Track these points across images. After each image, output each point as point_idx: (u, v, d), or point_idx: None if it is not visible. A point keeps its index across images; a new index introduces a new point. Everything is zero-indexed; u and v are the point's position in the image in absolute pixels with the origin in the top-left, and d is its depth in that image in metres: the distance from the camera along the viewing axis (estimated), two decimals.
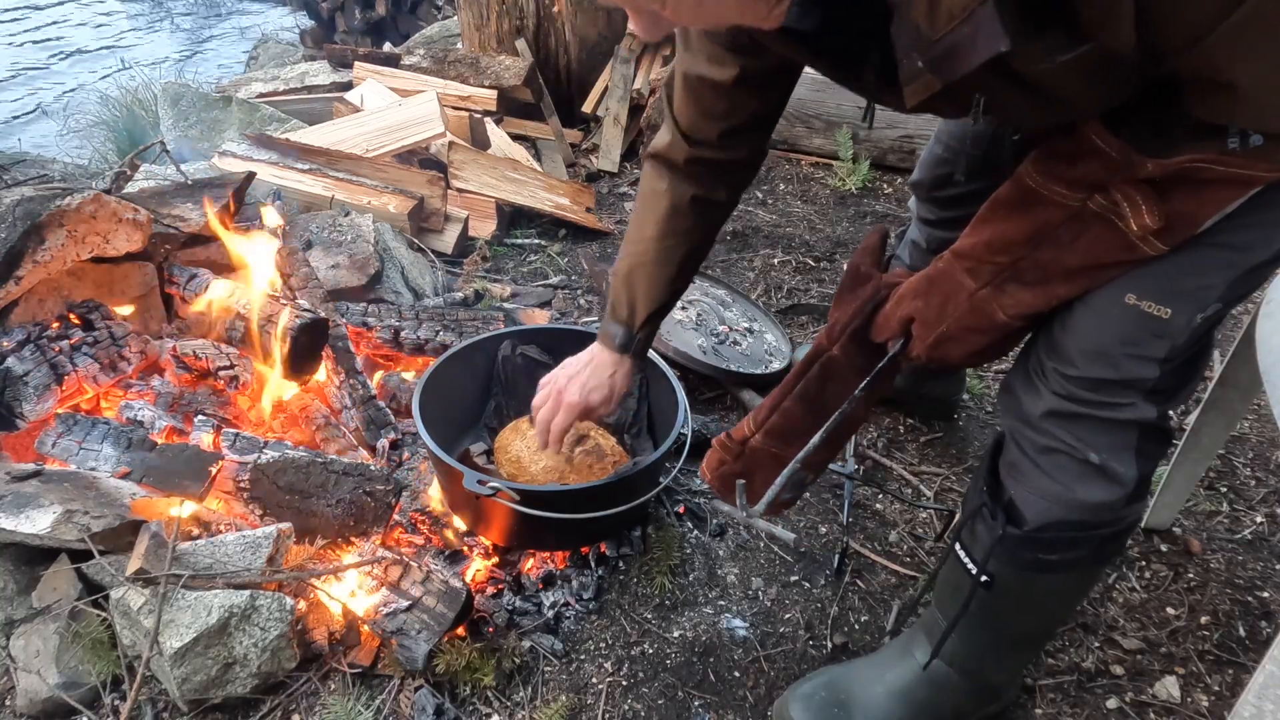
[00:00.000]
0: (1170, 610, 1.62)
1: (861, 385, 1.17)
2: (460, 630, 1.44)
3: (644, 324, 1.42)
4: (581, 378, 1.46)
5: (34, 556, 1.50)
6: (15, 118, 4.71)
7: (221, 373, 1.80)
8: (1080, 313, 1.01)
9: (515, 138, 3.25)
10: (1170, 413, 1.06)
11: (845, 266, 1.23)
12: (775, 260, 2.72)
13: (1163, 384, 1.00)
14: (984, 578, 1.14)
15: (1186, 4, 0.74)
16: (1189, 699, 1.46)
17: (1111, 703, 1.45)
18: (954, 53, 0.77)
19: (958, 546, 1.19)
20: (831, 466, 1.88)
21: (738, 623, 1.56)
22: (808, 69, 1.13)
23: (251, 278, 1.92)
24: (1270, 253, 0.93)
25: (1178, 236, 0.91)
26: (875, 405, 1.30)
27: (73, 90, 5.02)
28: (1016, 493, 1.10)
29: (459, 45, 3.77)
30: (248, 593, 1.37)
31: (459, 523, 1.65)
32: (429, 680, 1.41)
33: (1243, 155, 0.83)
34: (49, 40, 6.03)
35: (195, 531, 1.53)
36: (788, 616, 1.59)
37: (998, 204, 1.02)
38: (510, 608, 1.53)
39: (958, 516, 1.22)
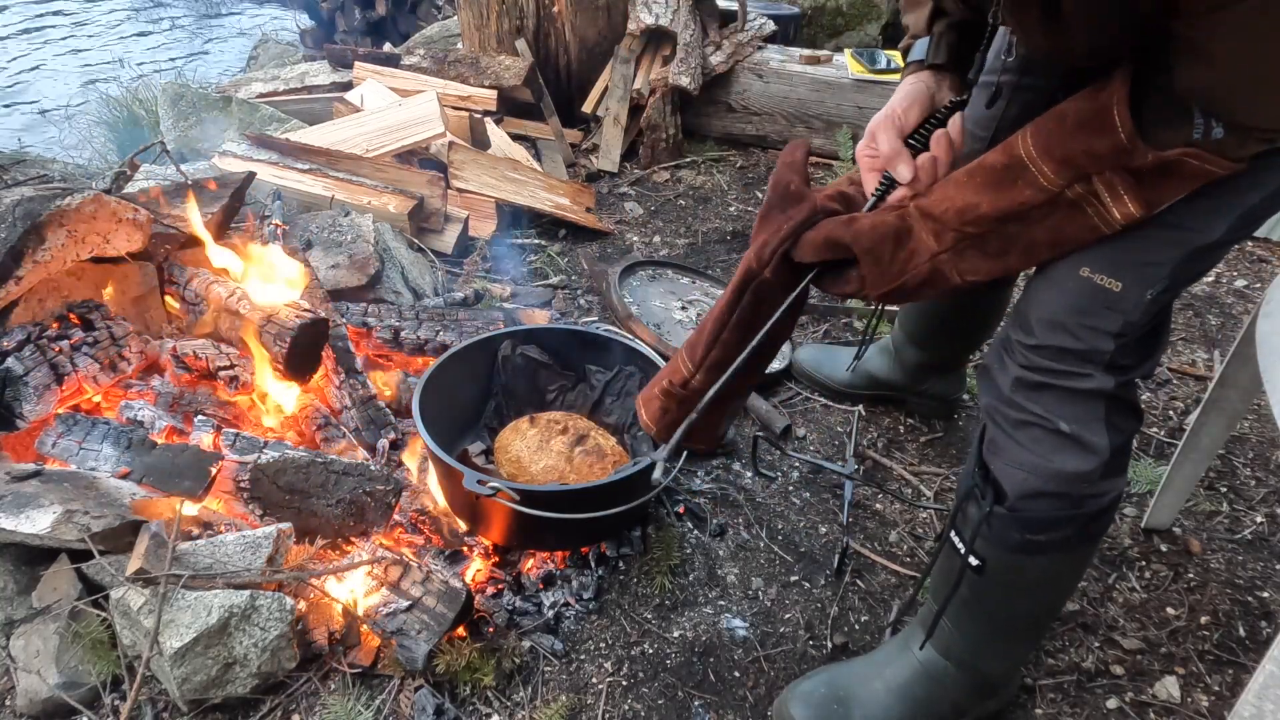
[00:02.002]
0: (1170, 610, 1.62)
1: (782, 307, 1.13)
2: (460, 630, 1.44)
3: (933, 15, 1.18)
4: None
5: (34, 556, 1.50)
6: (11, 112, 4.71)
7: (221, 373, 1.80)
8: (1040, 285, 1.06)
9: (515, 138, 3.25)
10: (1133, 386, 1.10)
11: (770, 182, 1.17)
12: None
13: (1120, 359, 1.04)
14: (972, 558, 1.16)
15: None
16: (1189, 699, 1.46)
17: (1111, 703, 1.45)
18: None
19: (952, 533, 1.21)
20: (831, 466, 1.89)
21: (738, 623, 1.56)
22: None
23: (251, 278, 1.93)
24: (1215, 236, 0.97)
25: (1143, 221, 0.96)
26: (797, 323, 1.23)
27: (72, 91, 5.02)
28: (996, 467, 1.13)
29: (459, 45, 3.77)
30: (248, 593, 1.37)
31: (459, 522, 1.65)
32: (429, 680, 1.41)
33: (1207, 148, 0.88)
34: (48, 39, 6.03)
35: (195, 531, 1.53)
36: (788, 616, 1.59)
37: (980, 171, 1.03)
38: (510, 608, 1.53)
39: (953, 507, 1.24)
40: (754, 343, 1.15)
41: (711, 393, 1.13)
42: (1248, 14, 0.79)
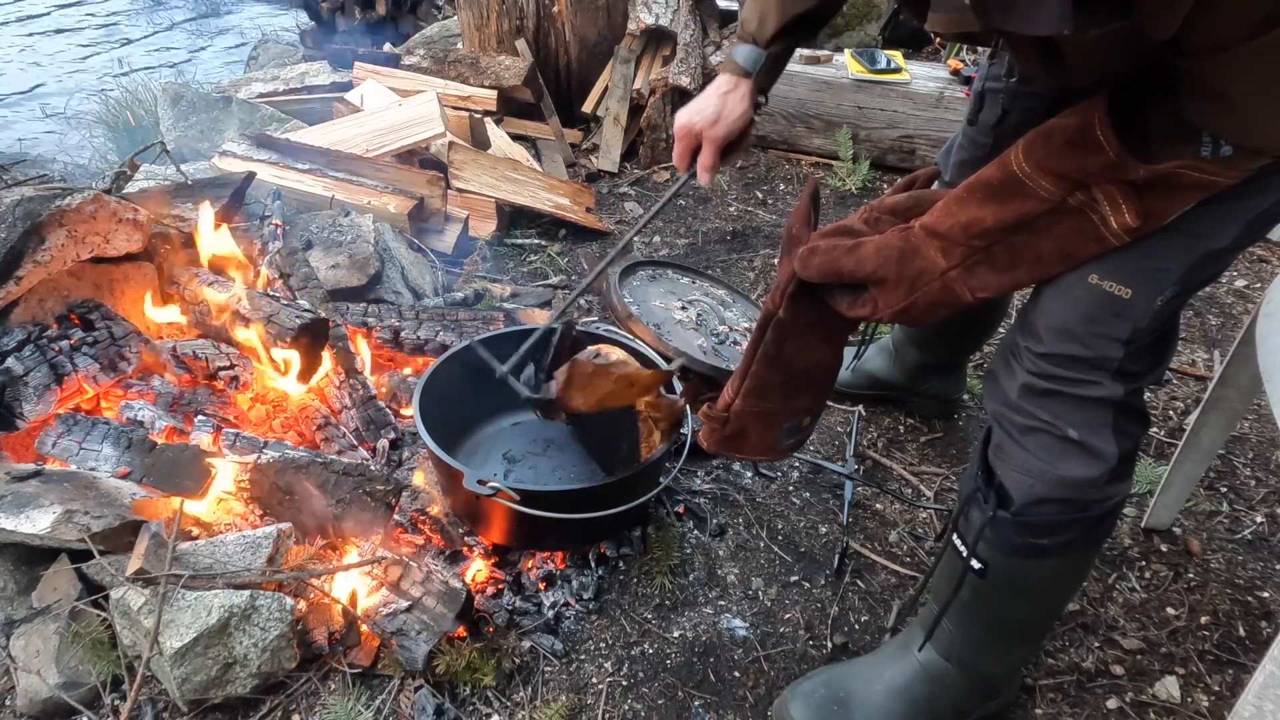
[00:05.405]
0: (1170, 610, 1.62)
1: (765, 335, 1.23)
2: (460, 630, 1.44)
3: (774, 38, 1.29)
4: (694, 103, 1.38)
5: (34, 556, 1.50)
6: (11, 112, 4.72)
7: (221, 373, 1.80)
8: (1048, 292, 1.05)
9: (515, 138, 3.25)
10: (1141, 393, 1.10)
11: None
12: (775, 260, 2.72)
13: (1129, 365, 1.04)
14: (975, 562, 1.16)
15: (1230, 12, 0.78)
16: (1189, 699, 1.46)
17: (1111, 703, 1.45)
18: (1010, 9, 0.79)
19: (954, 536, 1.21)
20: (831, 466, 1.89)
21: (738, 623, 1.56)
22: None
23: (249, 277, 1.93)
24: (1226, 241, 0.97)
25: (1144, 231, 0.96)
26: (846, 345, 1.35)
27: (72, 91, 5.02)
28: (1003, 473, 1.13)
29: (459, 45, 3.77)
30: (248, 593, 1.37)
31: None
32: (429, 680, 1.41)
33: (1213, 162, 0.88)
34: (48, 39, 6.04)
35: (195, 531, 1.53)
36: (788, 616, 1.59)
37: (979, 186, 1.03)
38: (510, 608, 1.53)
39: (955, 509, 1.24)
40: (751, 367, 1.25)
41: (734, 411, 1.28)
42: (1257, 52, 0.79)
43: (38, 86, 5.06)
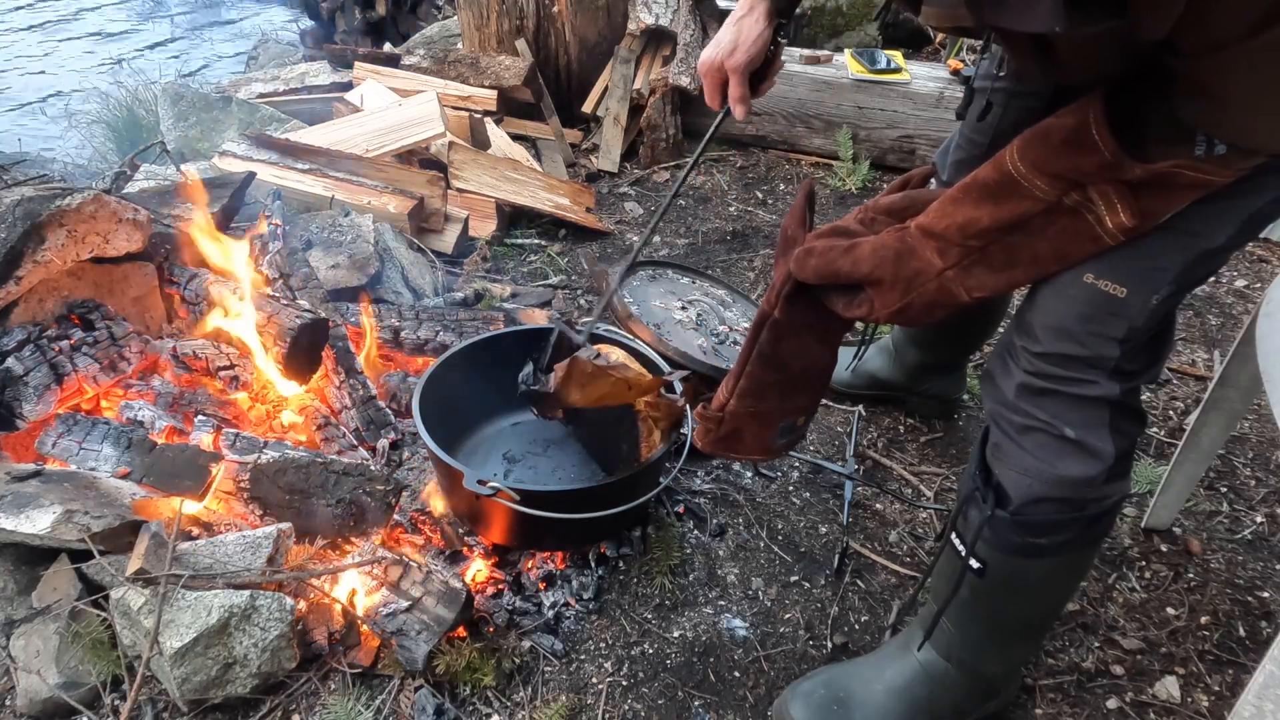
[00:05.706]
0: (1170, 610, 1.62)
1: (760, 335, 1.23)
2: (460, 630, 1.44)
3: None
4: (714, 38, 1.31)
5: (34, 556, 1.50)
6: (11, 111, 4.72)
7: (221, 373, 1.80)
8: (1044, 292, 1.06)
9: (515, 138, 3.25)
10: (1138, 392, 1.10)
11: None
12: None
13: (1125, 364, 1.04)
14: (973, 562, 1.16)
15: (1229, 11, 0.78)
16: (1189, 699, 1.46)
17: (1111, 703, 1.46)
18: (1002, 4, 0.79)
19: (953, 535, 1.21)
20: (831, 466, 1.89)
21: (738, 623, 1.56)
22: None
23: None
24: (1221, 239, 0.97)
25: (1140, 230, 0.96)
26: (841, 345, 1.35)
27: (72, 90, 5.02)
28: (1001, 472, 1.13)
29: (459, 45, 3.77)
30: (248, 593, 1.37)
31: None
32: (429, 680, 1.41)
33: (1207, 161, 0.89)
34: (52, 44, 6.04)
35: (195, 531, 1.53)
36: (788, 616, 1.59)
37: (975, 186, 1.04)
38: (510, 608, 1.53)
39: (954, 509, 1.24)
40: (747, 368, 1.27)
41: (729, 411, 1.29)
42: (1256, 50, 0.79)
43: (50, 96, 5.07)
